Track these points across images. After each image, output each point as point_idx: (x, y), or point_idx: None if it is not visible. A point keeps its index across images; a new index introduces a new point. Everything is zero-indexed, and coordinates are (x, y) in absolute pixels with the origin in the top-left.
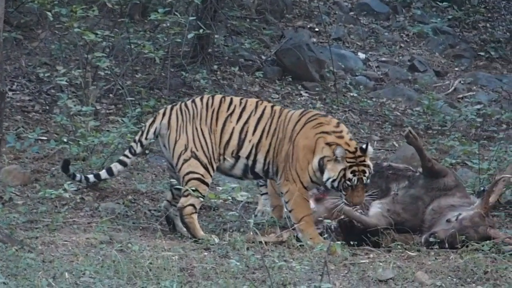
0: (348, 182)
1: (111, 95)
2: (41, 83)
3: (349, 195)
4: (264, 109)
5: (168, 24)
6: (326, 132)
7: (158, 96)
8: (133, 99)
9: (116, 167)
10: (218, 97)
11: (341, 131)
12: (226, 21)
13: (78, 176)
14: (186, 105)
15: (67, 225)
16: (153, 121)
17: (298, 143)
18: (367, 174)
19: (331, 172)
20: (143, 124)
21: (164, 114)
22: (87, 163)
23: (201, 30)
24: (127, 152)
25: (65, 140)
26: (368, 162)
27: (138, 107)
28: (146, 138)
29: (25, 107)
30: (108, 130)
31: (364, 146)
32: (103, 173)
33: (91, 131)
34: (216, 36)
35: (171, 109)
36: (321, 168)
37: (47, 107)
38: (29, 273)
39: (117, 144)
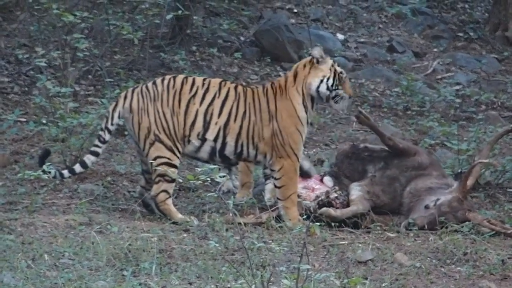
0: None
1: (90, 76)
2: (20, 65)
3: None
4: (228, 91)
5: (147, 5)
6: (285, 83)
7: (137, 77)
8: (112, 80)
9: (89, 158)
10: (180, 78)
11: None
12: (204, 2)
13: (52, 172)
14: (147, 87)
15: (46, 207)
16: (116, 105)
17: (282, 116)
18: None
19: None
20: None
21: (125, 97)
22: (66, 144)
23: (179, 11)
24: (97, 142)
25: (44, 121)
26: None
27: (117, 88)
28: (112, 124)
29: (4, 88)
30: (87, 112)
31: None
32: (77, 167)
33: (70, 112)
34: (194, 17)
35: (132, 92)
36: (307, 95)
37: (26, 89)
38: (8, 254)
39: (96, 125)
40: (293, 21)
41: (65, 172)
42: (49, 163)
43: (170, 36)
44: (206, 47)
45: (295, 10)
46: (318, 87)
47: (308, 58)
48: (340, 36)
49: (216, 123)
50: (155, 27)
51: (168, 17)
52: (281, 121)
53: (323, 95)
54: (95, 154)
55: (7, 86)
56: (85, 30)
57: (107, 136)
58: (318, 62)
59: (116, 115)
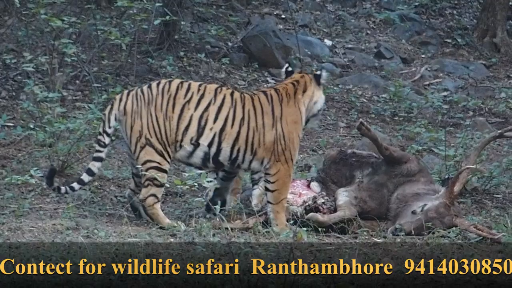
0: None
1: (77, 81)
2: (7, 70)
3: None
4: (224, 97)
5: (135, 11)
6: (295, 92)
7: (124, 82)
8: (99, 85)
9: (94, 165)
10: (175, 82)
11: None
12: (192, 7)
13: (62, 188)
14: (142, 91)
15: (34, 211)
16: (111, 108)
17: (287, 122)
18: None
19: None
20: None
21: (120, 100)
22: (53, 149)
23: (167, 17)
24: (97, 147)
25: (31, 126)
26: None
27: (104, 93)
28: (109, 127)
29: None
30: (74, 117)
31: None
32: (85, 177)
33: (58, 117)
34: (182, 22)
35: (127, 94)
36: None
37: (14, 94)
38: None
39: (84, 130)
40: (281, 27)
41: (75, 185)
42: (36, 168)
43: (158, 42)
44: (194, 52)
45: (283, 16)
46: (320, 109)
47: (310, 75)
48: (328, 42)
49: (211, 129)
50: (142, 33)
51: (156, 22)
52: (285, 126)
53: (317, 114)
54: (99, 159)
55: None
56: (73, 35)
57: (106, 140)
58: (320, 84)
59: (112, 117)
